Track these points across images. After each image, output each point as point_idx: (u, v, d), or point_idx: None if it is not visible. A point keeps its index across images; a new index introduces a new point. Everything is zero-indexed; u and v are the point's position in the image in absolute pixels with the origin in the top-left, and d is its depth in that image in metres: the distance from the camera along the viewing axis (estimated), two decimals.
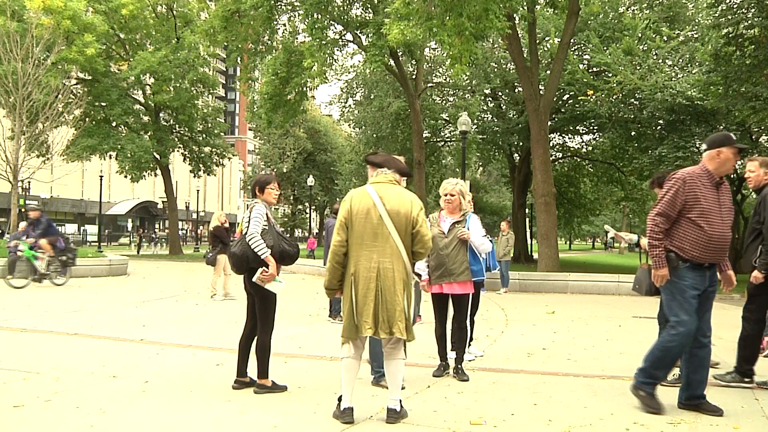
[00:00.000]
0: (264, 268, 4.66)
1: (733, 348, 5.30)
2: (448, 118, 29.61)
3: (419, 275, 4.43)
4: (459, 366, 5.40)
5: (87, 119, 30.49)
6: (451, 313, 5.56)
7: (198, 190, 54.11)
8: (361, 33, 22.81)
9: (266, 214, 4.81)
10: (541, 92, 17.78)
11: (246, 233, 4.72)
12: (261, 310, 4.82)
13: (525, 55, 18.83)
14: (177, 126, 34.18)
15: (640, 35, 20.51)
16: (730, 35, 15.67)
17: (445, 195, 5.48)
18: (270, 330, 4.86)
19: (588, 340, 7.63)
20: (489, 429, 3.98)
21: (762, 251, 5.04)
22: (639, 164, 20.75)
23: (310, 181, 39.45)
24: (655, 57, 20.69)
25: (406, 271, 4.01)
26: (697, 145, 19.30)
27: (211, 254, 11.75)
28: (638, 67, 19.54)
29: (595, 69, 22.60)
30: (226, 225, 12.17)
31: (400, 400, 4.07)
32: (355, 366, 4.08)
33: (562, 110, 25.86)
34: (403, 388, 4.26)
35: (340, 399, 4.10)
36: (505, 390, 4.98)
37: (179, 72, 30.72)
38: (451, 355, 5.77)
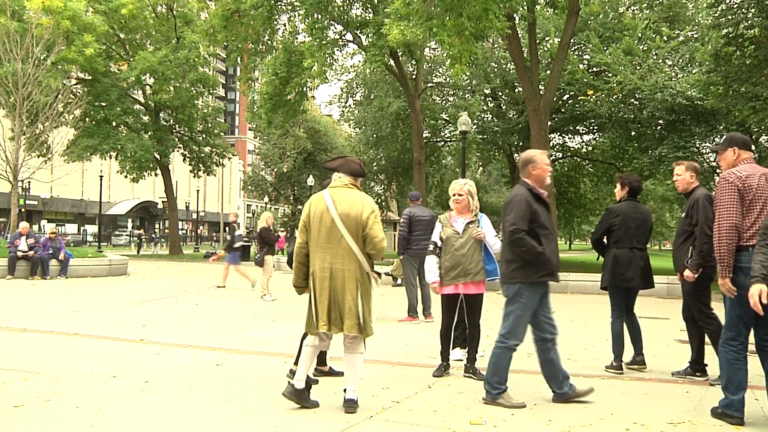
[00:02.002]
0: None
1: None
2: (448, 118, 29.60)
3: (379, 273, 4.48)
4: (473, 365, 5.41)
5: (87, 119, 30.48)
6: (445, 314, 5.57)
7: (198, 190, 54.16)
8: (361, 33, 22.81)
9: None
10: (541, 92, 17.78)
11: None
12: None
13: (525, 55, 18.83)
14: (177, 126, 34.18)
15: (640, 35, 20.50)
16: (730, 35, 15.66)
17: (454, 195, 5.48)
18: None
19: (588, 340, 7.64)
20: (489, 429, 3.99)
21: (693, 252, 5.25)
22: (639, 164, 20.74)
23: (310, 181, 39.44)
24: (655, 57, 20.69)
25: (360, 271, 4.23)
26: (698, 145, 19.34)
27: (258, 255, 12.00)
28: (638, 67, 19.53)
29: (595, 69, 22.59)
30: (272, 227, 12.35)
31: (357, 390, 4.30)
32: (313, 355, 4.37)
33: (562, 110, 25.84)
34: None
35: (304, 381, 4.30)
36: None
37: (179, 72, 30.71)
38: (459, 356, 5.79)
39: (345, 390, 4.29)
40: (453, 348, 6.19)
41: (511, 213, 4.51)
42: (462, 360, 5.79)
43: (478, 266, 5.34)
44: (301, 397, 4.29)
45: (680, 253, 5.38)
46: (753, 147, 19.57)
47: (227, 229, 14.59)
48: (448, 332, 5.55)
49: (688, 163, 5.65)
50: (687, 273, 5.25)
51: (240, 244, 14.09)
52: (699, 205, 5.29)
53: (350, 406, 4.23)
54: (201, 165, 35.07)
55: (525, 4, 16.53)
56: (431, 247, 5.49)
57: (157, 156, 31.75)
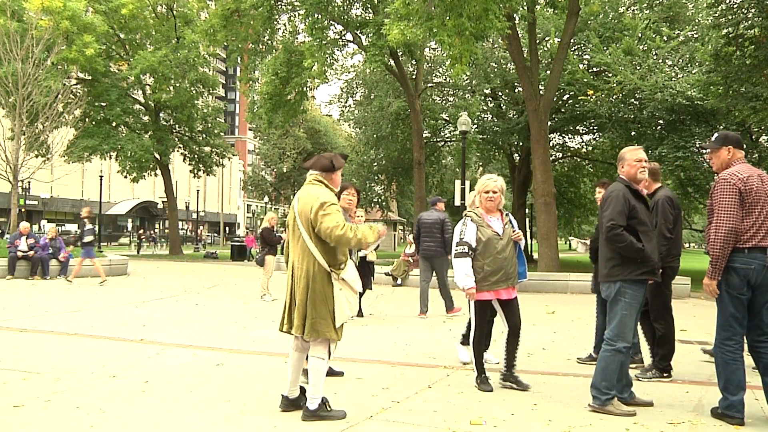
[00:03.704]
0: None
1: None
2: (448, 118, 29.60)
3: (343, 279, 4.09)
4: (513, 373, 5.09)
5: (87, 119, 30.48)
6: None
7: (198, 190, 54.14)
8: (361, 33, 22.80)
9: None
10: (541, 92, 17.77)
11: None
12: None
13: (525, 55, 18.80)
14: (177, 126, 34.18)
15: (640, 35, 20.48)
16: (730, 35, 15.65)
17: (487, 192, 5.03)
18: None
19: (588, 340, 7.60)
20: (489, 429, 3.99)
21: None
22: None
23: None
24: (655, 57, 20.67)
25: (314, 270, 4.06)
26: (698, 145, 19.34)
27: (259, 255, 12.02)
28: (638, 67, 19.51)
29: (595, 69, 22.58)
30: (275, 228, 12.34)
31: (318, 399, 4.06)
32: (299, 360, 4.31)
33: (562, 110, 25.83)
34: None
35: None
36: (505, 390, 4.98)
37: (179, 72, 30.70)
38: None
39: None
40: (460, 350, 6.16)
41: (608, 208, 4.38)
42: (469, 362, 5.73)
43: (515, 269, 5.06)
44: (299, 405, 4.22)
45: None
46: (754, 147, 19.55)
47: (78, 224, 15.17)
48: (482, 341, 5.11)
49: (649, 166, 5.65)
50: None
51: (90, 238, 14.45)
52: (659, 207, 5.33)
53: (303, 413, 4.11)
54: (201, 165, 35.06)
55: (525, 4, 16.50)
56: (466, 249, 4.95)
57: (157, 156, 31.74)
